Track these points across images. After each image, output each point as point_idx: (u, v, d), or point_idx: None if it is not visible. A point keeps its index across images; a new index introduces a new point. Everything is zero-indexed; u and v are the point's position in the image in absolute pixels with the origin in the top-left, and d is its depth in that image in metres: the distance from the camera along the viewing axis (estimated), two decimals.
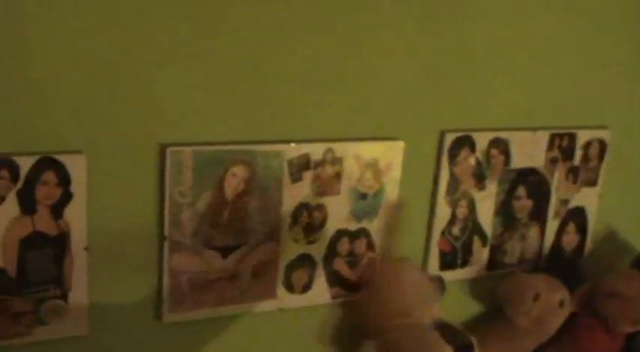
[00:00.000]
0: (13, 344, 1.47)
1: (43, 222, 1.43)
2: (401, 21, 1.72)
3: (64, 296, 1.49)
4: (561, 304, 1.99)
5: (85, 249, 1.48)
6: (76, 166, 1.42)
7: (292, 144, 1.64)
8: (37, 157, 1.39)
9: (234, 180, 1.60)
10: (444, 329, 1.75)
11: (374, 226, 1.80)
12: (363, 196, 1.76)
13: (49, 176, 1.41)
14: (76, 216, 1.45)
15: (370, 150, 1.74)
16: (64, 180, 1.42)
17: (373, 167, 1.75)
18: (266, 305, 1.72)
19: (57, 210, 1.43)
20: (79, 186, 1.44)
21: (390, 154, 1.76)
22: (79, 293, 1.50)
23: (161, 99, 1.50)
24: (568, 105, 2.05)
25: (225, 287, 1.65)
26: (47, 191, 1.41)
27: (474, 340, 1.74)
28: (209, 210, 1.58)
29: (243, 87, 1.57)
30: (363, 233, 1.79)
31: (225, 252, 1.63)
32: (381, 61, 1.72)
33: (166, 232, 1.55)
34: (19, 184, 1.38)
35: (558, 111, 2.04)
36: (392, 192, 1.79)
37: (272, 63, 1.59)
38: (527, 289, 1.96)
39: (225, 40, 1.53)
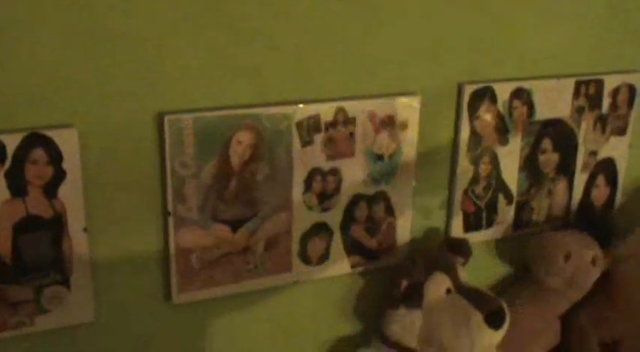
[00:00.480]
0: (15, 335, 1.40)
1: (37, 203, 1.34)
2: None
3: (66, 282, 1.41)
4: (594, 262, 1.90)
5: (84, 230, 1.40)
6: (67, 141, 1.33)
7: (301, 105, 1.54)
8: (23, 134, 1.30)
9: (240, 147, 1.50)
10: (473, 295, 1.68)
11: (392, 189, 1.70)
12: (379, 157, 1.66)
13: (39, 154, 1.32)
14: (71, 195, 1.37)
15: (384, 107, 1.64)
16: (55, 157, 1.33)
17: (389, 125, 1.65)
18: (281, 279, 1.64)
19: (50, 190, 1.35)
20: (71, 162, 1.35)
21: (405, 111, 1.66)
22: (81, 277, 1.43)
23: (155, 63, 1.40)
24: (594, 49, 1.93)
25: (236, 262, 1.56)
26: (38, 170, 1.32)
27: (504, 304, 1.67)
28: (215, 181, 1.49)
29: (244, 45, 1.47)
30: (381, 197, 1.70)
31: (234, 225, 1.54)
32: (392, 12, 1.61)
33: (170, 207, 1.46)
34: (7, 165, 1.30)
35: (583, 56, 1.92)
36: (409, 151, 1.69)
37: (275, 18, 1.49)
38: (557, 248, 1.87)
39: None
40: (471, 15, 1.71)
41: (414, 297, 1.65)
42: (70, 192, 1.36)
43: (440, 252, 1.75)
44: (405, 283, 1.65)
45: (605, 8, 1.91)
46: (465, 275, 1.73)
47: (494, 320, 1.64)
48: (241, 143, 1.50)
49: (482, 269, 1.95)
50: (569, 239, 1.90)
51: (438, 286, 1.66)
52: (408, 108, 1.66)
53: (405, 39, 1.64)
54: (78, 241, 1.40)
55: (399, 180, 1.70)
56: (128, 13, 1.34)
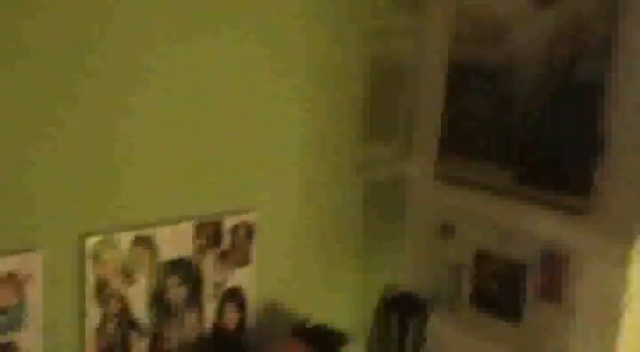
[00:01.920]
0: None
1: None
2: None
3: None
4: None
5: None
6: None
7: None
8: None
9: None
10: None
11: (21, 339, 1.94)
12: (3, 310, 1.90)
13: None
14: None
15: (5, 264, 1.88)
16: None
17: (11, 281, 1.89)
18: None
19: None
20: None
21: (28, 266, 1.92)
22: None
23: None
24: (212, 192, 2.32)
25: None
26: None
27: None
28: None
29: None
30: (9, 347, 1.93)
31: None
32: (14, 171, 1.86)
33: None
34: None
35: (203, 199, 2.30)
36: (36, 300, 1.94)
37: None
38: None
39: None
40: (87, 168, 2.00)
41: None
42: None
43: None
44: None
45: (222, 153, 2.30)
46: None
47: None
48: None
49: None
50: None
51: None
52: (30, 263, 1.92)
53: (23, 194, 1.89)
54: None
55: (29, 330, 1.94)
56: None
